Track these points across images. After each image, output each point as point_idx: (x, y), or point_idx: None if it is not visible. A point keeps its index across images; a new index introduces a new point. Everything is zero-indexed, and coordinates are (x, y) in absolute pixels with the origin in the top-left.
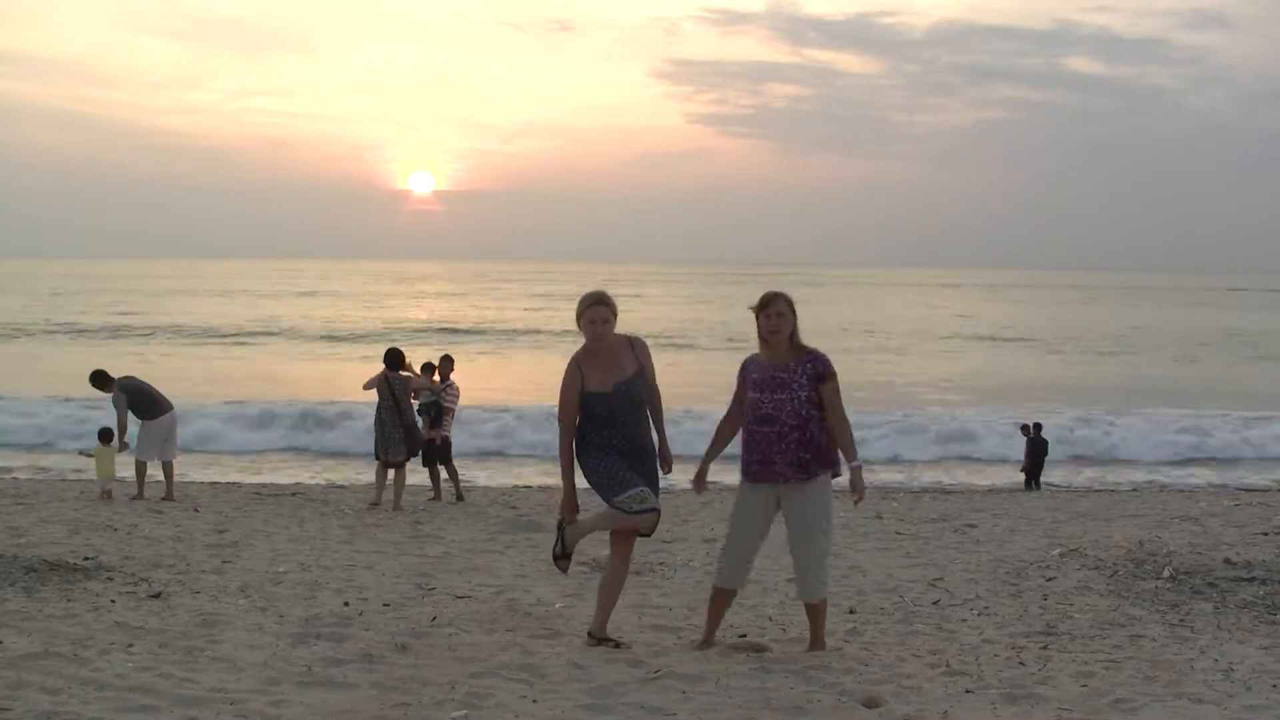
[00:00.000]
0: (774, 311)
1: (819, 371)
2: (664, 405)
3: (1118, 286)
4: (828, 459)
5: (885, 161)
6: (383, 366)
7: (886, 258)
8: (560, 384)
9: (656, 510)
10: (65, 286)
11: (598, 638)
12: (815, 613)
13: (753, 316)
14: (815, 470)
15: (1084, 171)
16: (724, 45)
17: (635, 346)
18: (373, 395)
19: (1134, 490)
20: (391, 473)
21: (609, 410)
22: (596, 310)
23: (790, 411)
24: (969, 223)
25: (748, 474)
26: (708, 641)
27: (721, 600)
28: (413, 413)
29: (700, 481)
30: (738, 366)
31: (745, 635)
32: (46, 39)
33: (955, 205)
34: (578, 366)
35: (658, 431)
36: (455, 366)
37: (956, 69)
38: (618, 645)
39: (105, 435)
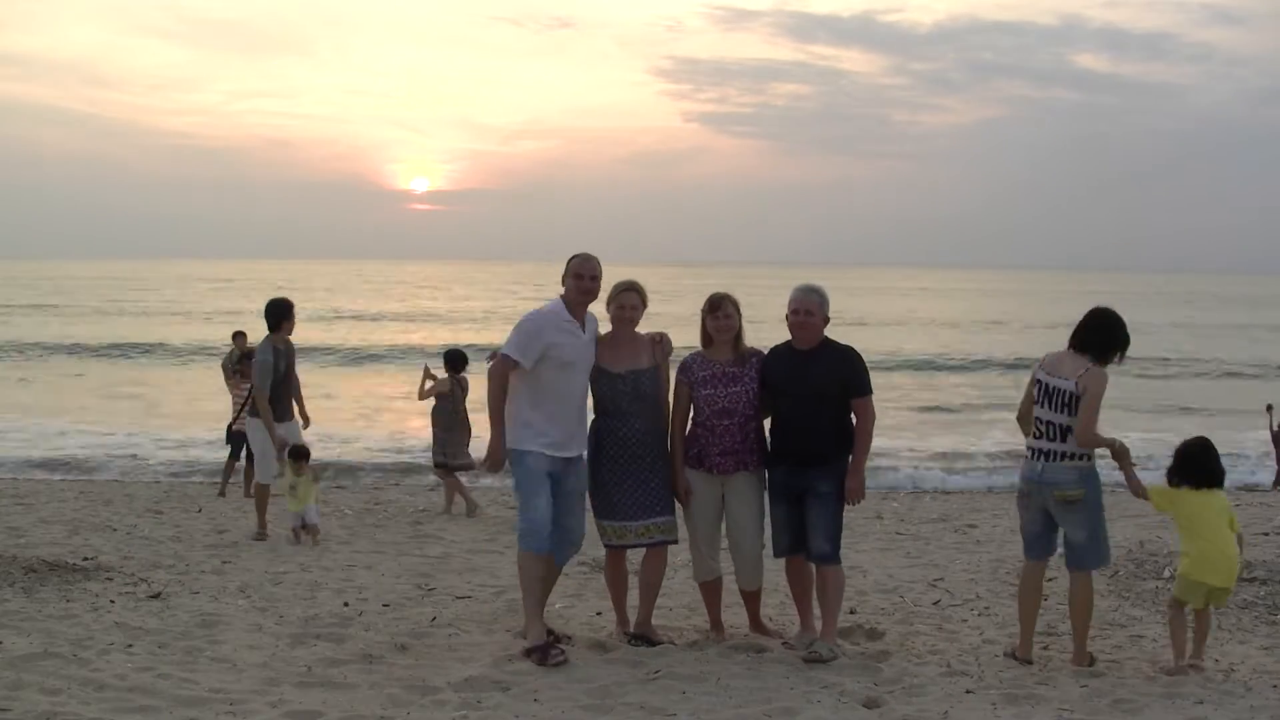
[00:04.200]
0: (723, 313)
1: None
2: None
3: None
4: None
5: (887, 161)
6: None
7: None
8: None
9: (622, 545)
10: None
11: (637, 634)
12: (756, 599)
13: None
14: (762, 460)
15: (1087, 170)
16: (727, 43)
17: (655, 346)
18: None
19: None
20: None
21: (613, 392)
22: (627, 296)
23: (746, 403)
24: (970, 223)
25: (709, 466)
26: (717, 629)
27: (710, 591)
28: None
29: (685, 493)
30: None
31: (748, 635)
32: (52, 42)
33: (956, 205)
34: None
35: (672, 446)
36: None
37: (962, 66)
38: (654, 644)
39: (299, 454)
